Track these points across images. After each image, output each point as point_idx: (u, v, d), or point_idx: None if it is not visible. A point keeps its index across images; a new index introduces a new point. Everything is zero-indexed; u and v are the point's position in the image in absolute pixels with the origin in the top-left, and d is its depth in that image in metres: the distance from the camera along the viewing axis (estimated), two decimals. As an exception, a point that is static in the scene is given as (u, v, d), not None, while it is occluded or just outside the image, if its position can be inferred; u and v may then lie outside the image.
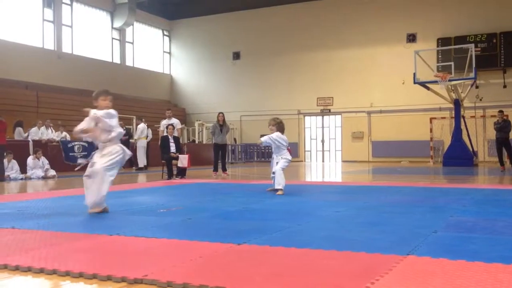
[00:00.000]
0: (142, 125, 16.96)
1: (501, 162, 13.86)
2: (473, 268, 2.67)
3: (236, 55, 26.10)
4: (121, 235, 3.81)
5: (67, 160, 15.49)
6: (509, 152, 13.63)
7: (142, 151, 16.60)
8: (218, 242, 3.45)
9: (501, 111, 13.80)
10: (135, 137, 16.93)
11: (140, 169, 16.36)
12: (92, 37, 22.95)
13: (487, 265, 2.71)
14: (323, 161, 24.44)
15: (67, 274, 2.66)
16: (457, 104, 17.07)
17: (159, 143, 11.88)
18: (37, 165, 12.64)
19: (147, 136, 16.99)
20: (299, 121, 24.64)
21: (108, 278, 2.57)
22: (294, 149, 24.37)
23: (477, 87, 19.62)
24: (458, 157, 16.56)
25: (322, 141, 24.72)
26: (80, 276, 2.63)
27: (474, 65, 16.33)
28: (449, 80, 16.32)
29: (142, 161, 16.56)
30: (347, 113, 23.58)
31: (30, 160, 12.64)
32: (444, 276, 2.51)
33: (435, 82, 16.62)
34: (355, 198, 6.53)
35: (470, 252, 3.06)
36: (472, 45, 17.22)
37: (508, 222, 4.30)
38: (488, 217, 4.53)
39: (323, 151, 24.75)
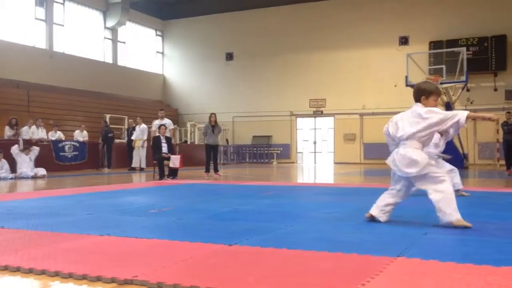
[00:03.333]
0: (144, 126, 16.87)
1: (508, 166, 13.20)
2: (463, 269, 2.69)
3: (229, 56, 26.09)
4: (111, 235, 3.79)
5: (58, 160, 15.41)
6: None
7: (138, 152, 16.48)
8: (210, 243, 3.44)
9: (509, 112, 13.36)
10: (133, 137, 16.71)
11: (133, 169, 16.28)
12: (84, 36, 22.84)
13: (477, 267, 2.73)
14: (315, 162, 24.48)
15: (56, 274, 2.64)
16: (448, 106, 17.16)
17: (151, 143, 11.84)
18: (24, 159, 12.51)
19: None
20: (291, 123, 24.68)
21: (98, 279, 2.55)
22: (286, 150, 24.41)
23: (468, 90, 19.74)
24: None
25: (314, 143, 24.76)
26: (69, 276, 2.61)
27: (465, 68, 16.44)
28: (441, 83, 16.41)
29: (142, 161, 16.42)
30: (339, 115, 23.63)
31: (14, 149, 12.51)
32: (434, 278, 2.52)
33: (427, 85, 16.66)
34: (347, 200, 6.55)
35: (460, 254, 3.07)
36: (464, 48, 17.35)
37: (499, 224, 4.32)
38: (478, 220, 4.55)
39: (315, 152, 24.79)
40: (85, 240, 3.60)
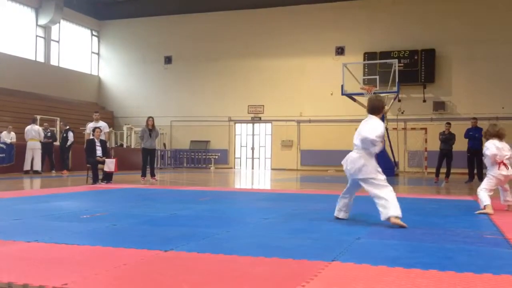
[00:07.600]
0: (29, 127, 16.05)
1: (437, 174, 13.72)
2: (393, 273, 2.78)
3: (168, 60, 25.77)
4: (39, 241, 3.62)
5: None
6: (448, 165, 13.56)
7: (30, 154, 15.70)
8: (144, 249, 3.37)
9: (448, 123, 14.01)
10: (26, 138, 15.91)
11: (36, 172, 15.49)
12: (14, 33, 21.77)
13: (406, 271, 2.84)
14: (252, 168, 24.62)
15: (-22, 283, 2.49)
16: (382, 116, 17.79)
17: (85, 146, 11.47)
18: None
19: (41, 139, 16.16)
20: (229, 128, 24.70)
21: (24, 287, 2.42)
22: (224, 156, 24.40)
23: (399, 100, 20.58)
24: (381, 167, 17.20)
25: (252, 149, 24.92)
26: (-8, 285, 2.46)
27: (397, 80, 17.16)
28: (374, 93, 17.00)
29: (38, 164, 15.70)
30: (277, 122, 23.93)
31: None
32: (366, 282, 2.60)
33: (361, 94, 17.29)
34: (283, 206, 6.62)
35: (391, 258, 3.18)
36: (396, 60, 18.10)
37: (426, 229, 4.53)
38: (407, 225, 4.74)
39: (252, 158, 24.95)
40: (11, 247, 3.42)
